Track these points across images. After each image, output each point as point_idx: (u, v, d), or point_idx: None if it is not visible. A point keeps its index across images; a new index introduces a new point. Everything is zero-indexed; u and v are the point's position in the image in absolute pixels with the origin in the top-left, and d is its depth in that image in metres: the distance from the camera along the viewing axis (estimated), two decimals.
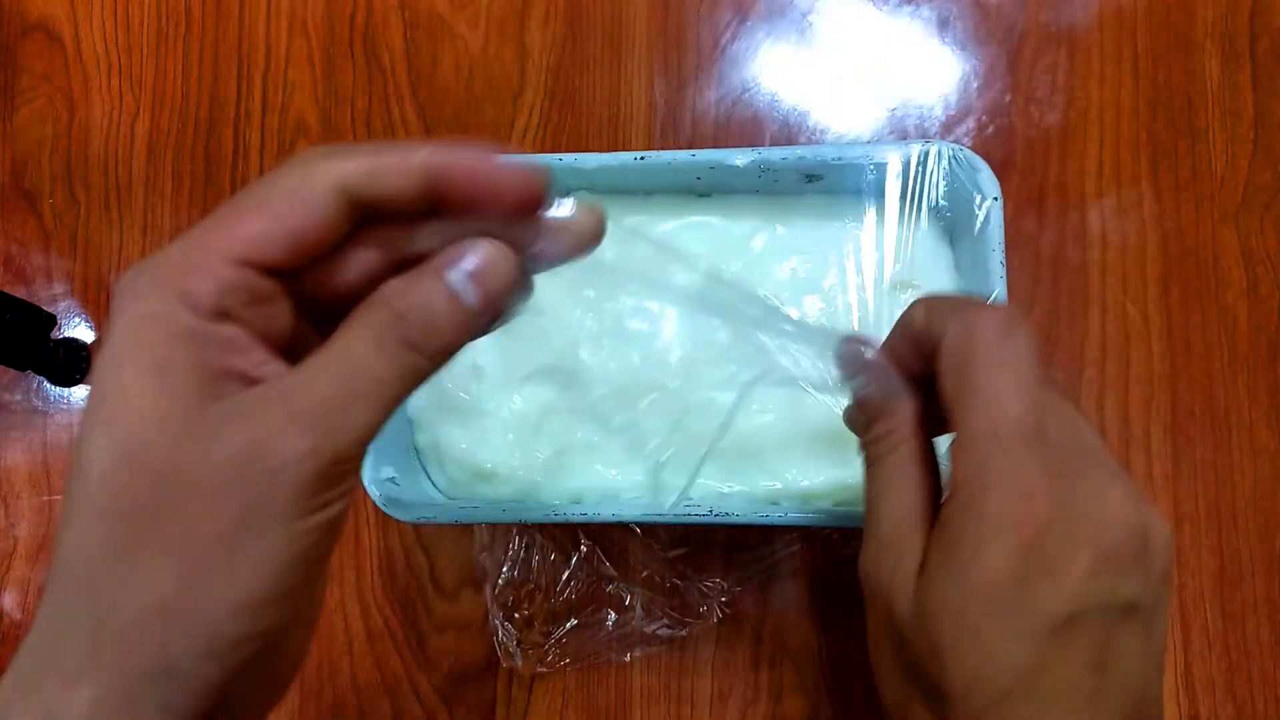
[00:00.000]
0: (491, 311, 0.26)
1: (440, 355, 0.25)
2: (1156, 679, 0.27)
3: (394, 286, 0.24)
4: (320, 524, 0.22)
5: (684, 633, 0.50)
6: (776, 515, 0.40)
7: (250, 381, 0.23)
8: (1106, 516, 0.26)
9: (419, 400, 0.46)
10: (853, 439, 0.42)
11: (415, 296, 0.24)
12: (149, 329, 0.23)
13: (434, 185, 0.24)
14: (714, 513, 0.41)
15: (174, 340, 0.22)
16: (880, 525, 0.29)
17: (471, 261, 0.24)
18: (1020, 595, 0.25)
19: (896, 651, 0.28)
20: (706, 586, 0.50)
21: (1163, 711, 0.28)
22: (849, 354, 0.32)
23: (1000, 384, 0.27)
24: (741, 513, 0.41)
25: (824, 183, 0.44)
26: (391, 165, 0.24)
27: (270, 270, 0.24)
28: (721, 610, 0.50)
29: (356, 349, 0.23)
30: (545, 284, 0.46)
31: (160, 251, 0.24)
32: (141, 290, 0.23)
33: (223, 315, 0.23)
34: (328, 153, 0.24)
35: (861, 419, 0.32)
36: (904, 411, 0.31)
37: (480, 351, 0.45)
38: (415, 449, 0.47)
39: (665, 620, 0.50)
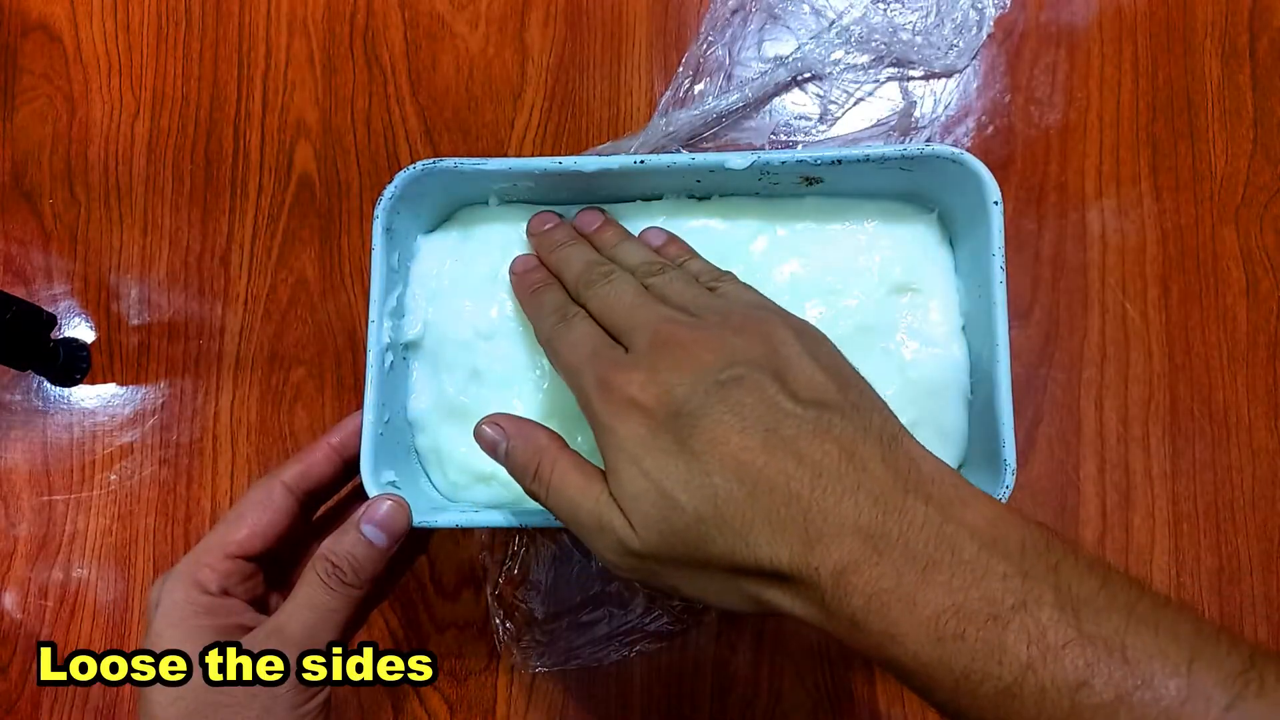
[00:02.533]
0: (396, 544, 0.39)
1: (369, 582, 0.38)
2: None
3: (327, 544, 0.38)
4: (315, 707, 0.37)
5: (684, 632, 0.50)
6: None
7: (246, 629, 0.37)
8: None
9: (420, 403, 0.46)
10: None
11: (343, 547, 0.37)
12: (179, 608, 0.37)
13: (345, 456, 0.42)
14: None
15: (196, 613, 0.37)
16: (585, 518, 0.33)
17: (376, 514, 0.38)
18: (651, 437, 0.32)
19: (679, 572, 0.32)
20: None
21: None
22: (483, 435, 0.37)
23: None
24: None
25: (824, 185, 0.44)
26: (315, 460, 0.41)
27: (251, 558, 0.39)
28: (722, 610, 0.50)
29: (314, 594, 0.37)
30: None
31: (181, 559, 0.38)
32: (170, 586, 0.38)
33: (224, 593, 0.38)
34: (275, 471, 0.41)
35: (516, 473, 0.36)
36: (549, 444, 0.35)
37: (480, 355, 0.46)
38: (416, 452, 0.47)
39: (665, 619, 0.50)
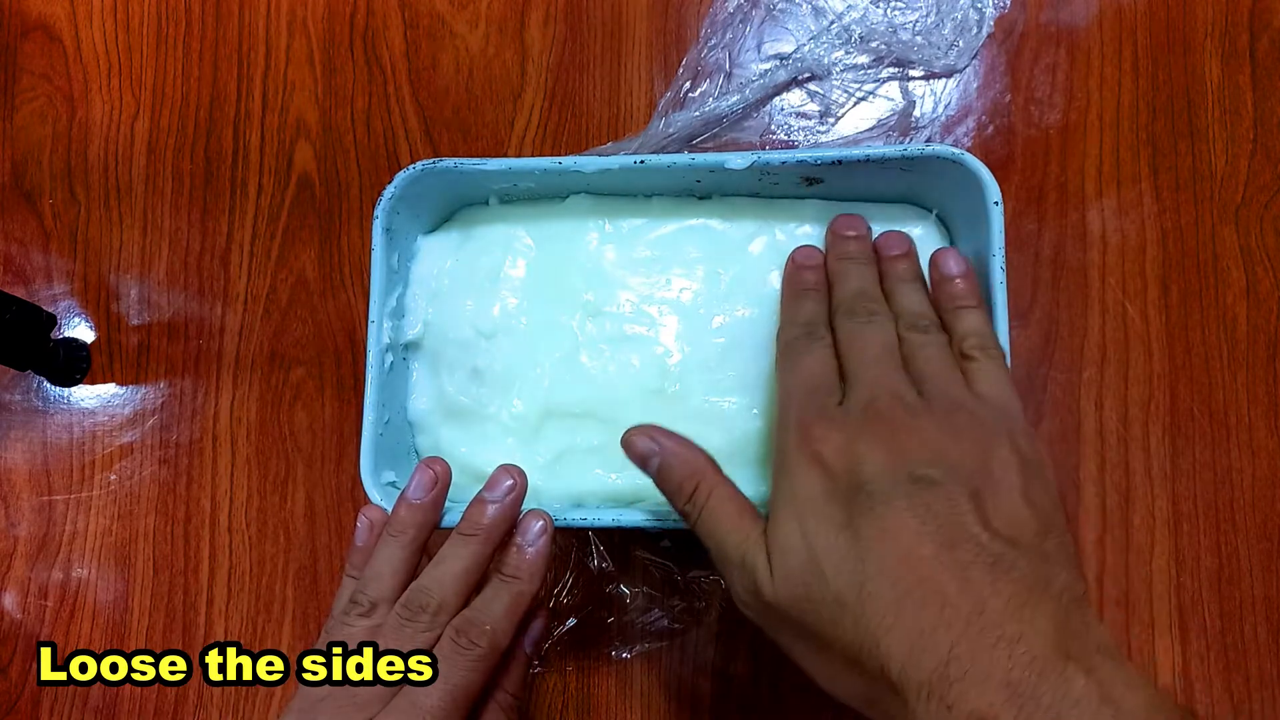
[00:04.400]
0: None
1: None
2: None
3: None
4: None
5: (684, 632, 0.50)
6: None
7: None
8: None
9: (420, 404, 0.47)
10: None
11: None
12: None
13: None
14: None
15: None
16: (732, 552, 0.33)
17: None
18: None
19: (820, 653, 0.32)
20: (707, 585, 0.50)
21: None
22: (633, 445, 0.37)
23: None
24: None
25: (824, 186, 0.44)
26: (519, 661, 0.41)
27: None
28: (721, 610, 0.50)
29: None
30: (545, 287, 0.46)
31: None
32: None
33: None
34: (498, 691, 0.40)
35: (669, 490, 0.36)
36: (706, 468, 0.35)
37: (481, 354, 0.46)
38: (416, 452, 0.47)
39: (665, 619, 0.50)
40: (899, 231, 0.41)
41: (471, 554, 0.37)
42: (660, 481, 0.36)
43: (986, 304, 0.40)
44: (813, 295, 0.39)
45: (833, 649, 0.30)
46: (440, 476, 0.40)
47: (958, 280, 0.38)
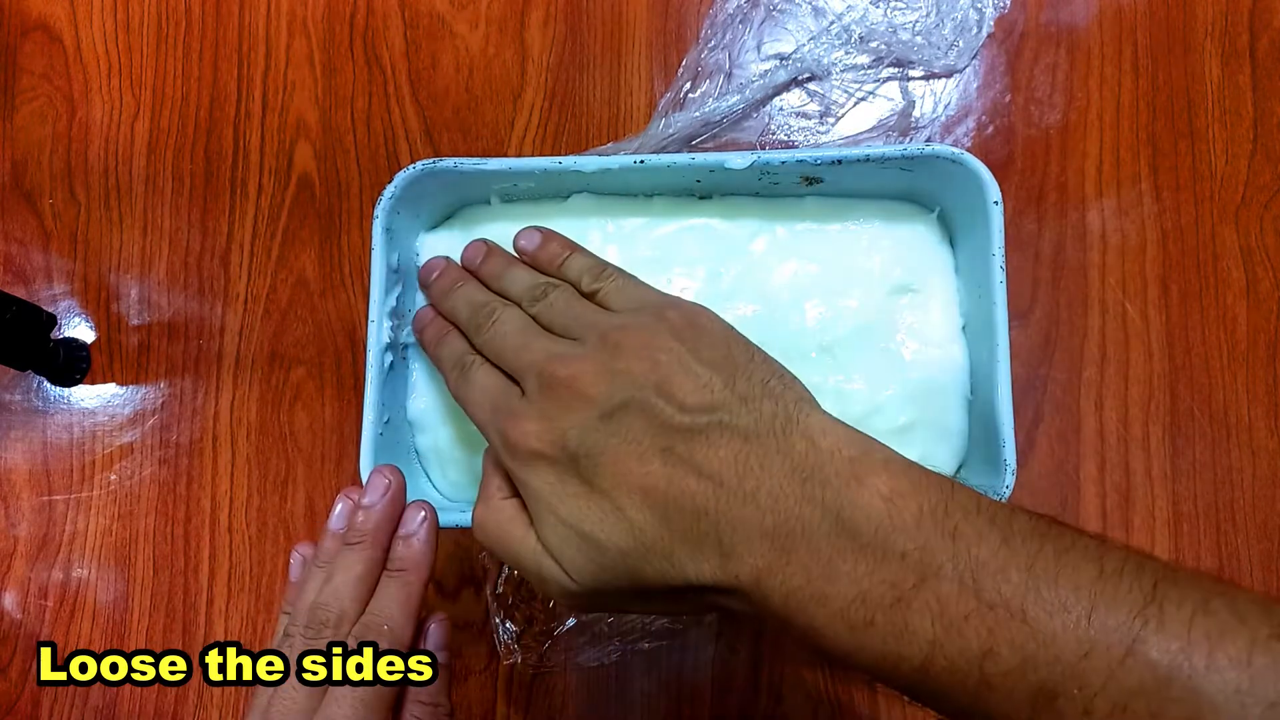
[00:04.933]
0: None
1: None
2: None
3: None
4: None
5: (684, 631, 0.50)
6: None
7: None
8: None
9: (420, 403, 0.46)
10: None
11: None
12: None
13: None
14: None
15: None
16: (527, 567, 0.34)
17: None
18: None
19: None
20: None
21: None
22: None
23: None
24: None
25: (824, 185, 0.44)
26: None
27: None
28: None
29: None
30: None
31: None
32: None
33: None
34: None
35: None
36: (493, 494, 0.36)
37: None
38: (416, 452, 0.47)
39: (665, 619, 0.50)
40: (471, 246, 0.43)
41: (360, 560, 0.38)
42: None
43: (986, 303, 0.40)
44: (446, 340, 0.41)
45: (650, 590, 0.31)
46: (394, 485, 0.40)
47: (543, 245, 0.42)
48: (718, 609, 0.31)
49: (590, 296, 0.38)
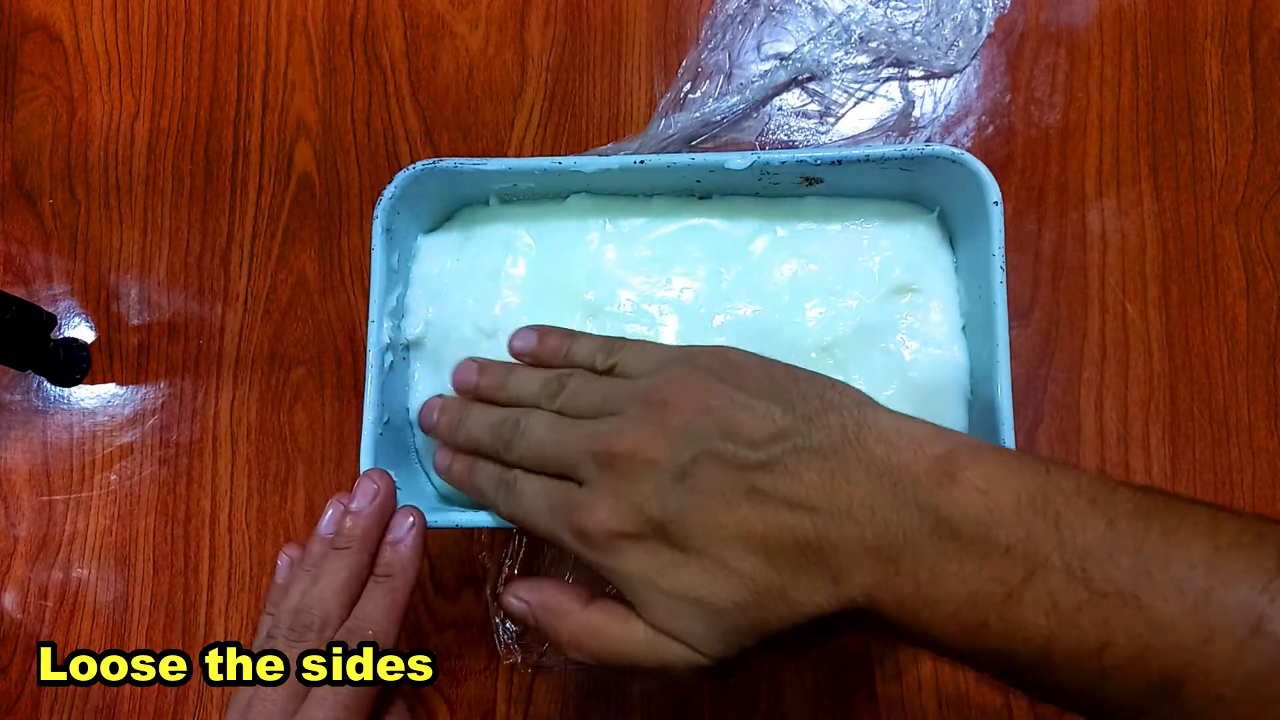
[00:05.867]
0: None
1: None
2: None
3: None
4: None
5: None
6: None
7: None
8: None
9: (420, 402, 0.46)
10: None
11: None
12: None
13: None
14: None
15: None
16: (645, 661, 0.32)
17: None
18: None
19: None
20: None
21: None
22: (510, 609, 0.36)
23: None
24: None
25: (824, 185, 0.44)
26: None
27: None
28: None
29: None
30: (546, 287, 0.46)
31: None
32: None
33: None
34: None
35: (553, 645, 0.35)
36: (569, 606, 0.34)
37: (482, 353, 0.45)
38: (416, 451, 0.47)
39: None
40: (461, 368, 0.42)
41: (347, 565, 0.38)
42: (545, 640, 0.36)
43: (986, 303, 0.40)
44: (475, 470, 0.39)
45: (781, 638, 0.30)
46: (383, 490, 0.40)
47: (541, 341, 0.40)
48: (840, 634, 0.31)
49: (608, 373, 0.37)
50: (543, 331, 0.41)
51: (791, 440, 0.30)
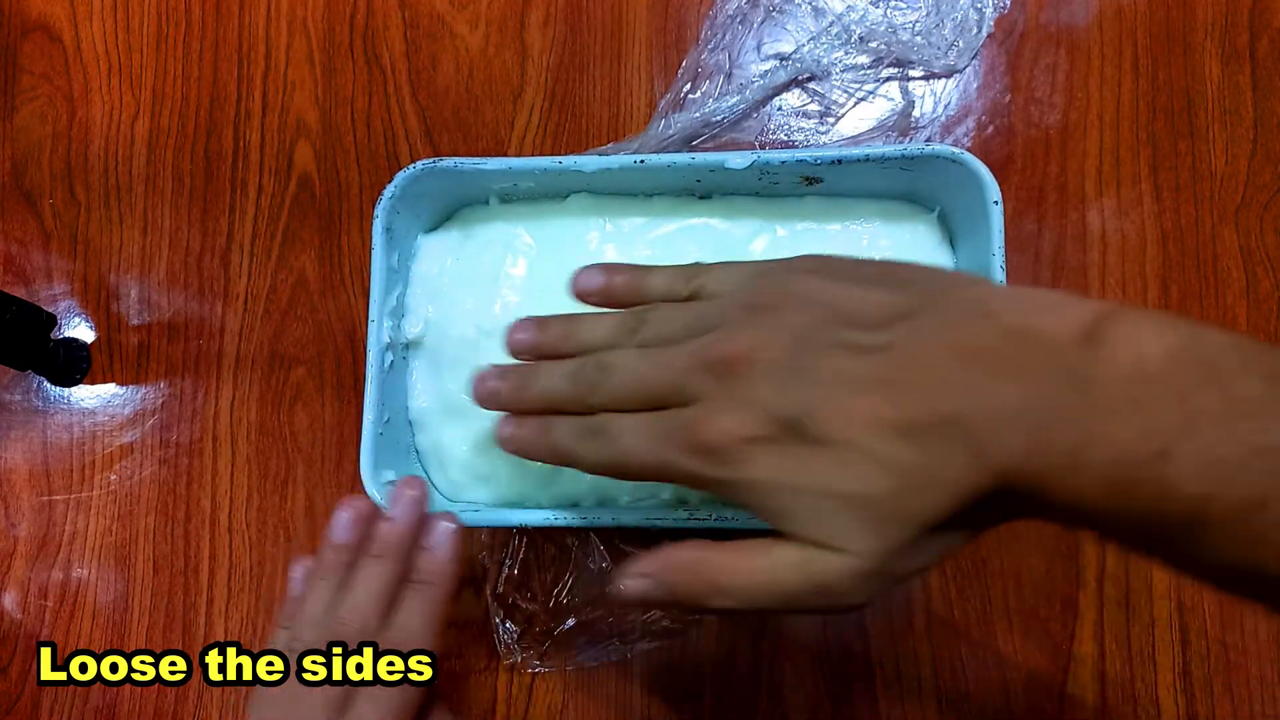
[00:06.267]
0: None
1: None
2: None
3: None
4: None
5: (684, 631, 0.50)
6: None
7: None
8: None
9: (421, 403, 0.46)
10: None
11: None
12: None
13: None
14: (715, 518, 0.41)
15: None
16: (796, 588, 0.29)
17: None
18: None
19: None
20: None
21: None
22: (630, 592, 0.32)
23: None
24: (740, 519, 0.41)
25: (824, 185, 0.44)
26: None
27: None
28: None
29: None
30: (546, 286, 0.46)
31: None
32: None
33: None
34: None
35: (696, 603, 0.31)
36: (702, 555, 0.31)
37: (482, 353, 0.46)
38: (416, 451, 0.47)
39: (665, 619, 0.50)
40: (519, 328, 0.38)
41: (383, 573, 0.37)
42: (683, 606, 0.32)
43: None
44: (549, 428, 0.35)
45: (928, 527, 0.28)
46: (363, 515, 0.39)
47: (610, 277, 0.37)
48: (985, 525, 0.29)
49: (692, 298, 0.34)
50: (609, 268, 0.38)
51: (910, 319, 0.28)
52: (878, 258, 0.44)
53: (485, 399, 0.38)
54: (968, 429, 0.27)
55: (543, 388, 0.36)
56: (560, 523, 0.40)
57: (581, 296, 0.38)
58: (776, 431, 0.29)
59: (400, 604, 0.37)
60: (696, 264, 0.36)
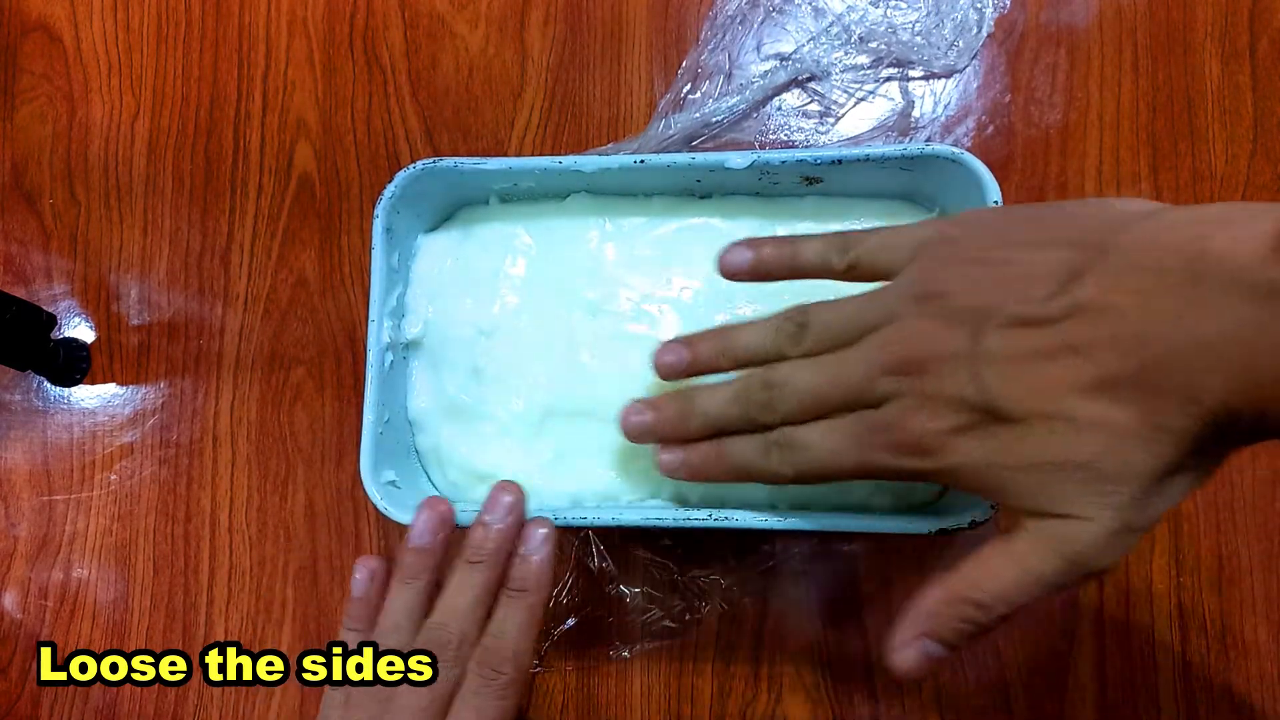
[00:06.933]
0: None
1: None
2: None
3: None
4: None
5: (684, 631, 0.50)
6: (775, 521, 0.40)
7: None
8: None
9: (420, 403, 0.46)
10: None
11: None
12: None
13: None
14: (714, 518, 0.41)
15: None
16: (1056, 577, 0.29)
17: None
18: None
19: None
20: (706, 585, 0.50)
21: None
22: (913, 664, 0.31)
23: None
24: (741, 518, 0.41)
25: (824, 185, 0.44)
26: None
27: None
28: (722, 609, 0.50)
29: None
30: (545, 286, 0.46)
31: None
32: None
33: None
34: None
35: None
36: (952, 583, 0.30)
37: (481, 354, 0.46)
38: (416, 451, 0.47)
39: (665, 619, 0.50)
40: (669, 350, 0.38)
41: (481, 581, 0.36)
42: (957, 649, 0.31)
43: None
44: (729, 449, 0.35)
45: (1162, 476, 0.27)
46: (445, 517, 0.39)
47: (759, 250, 0.36)
48: (1222, 456, 0.29)
49: (848, 273, 0.34)
50: (753, 242, 0.37)
51: (1089, 275, 0.28)
52: None
53: (640, 434, 0.37)
54: (1170, 373, 0.26)
55: (707, 413, 0.35)
56: (560, 522, 0.40)
57: (731, 275, 0.37)
58: (977, 419, 0.28)
59: (497, 612, 0.36)
60: (846, 233, 0.35)
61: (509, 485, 0.38)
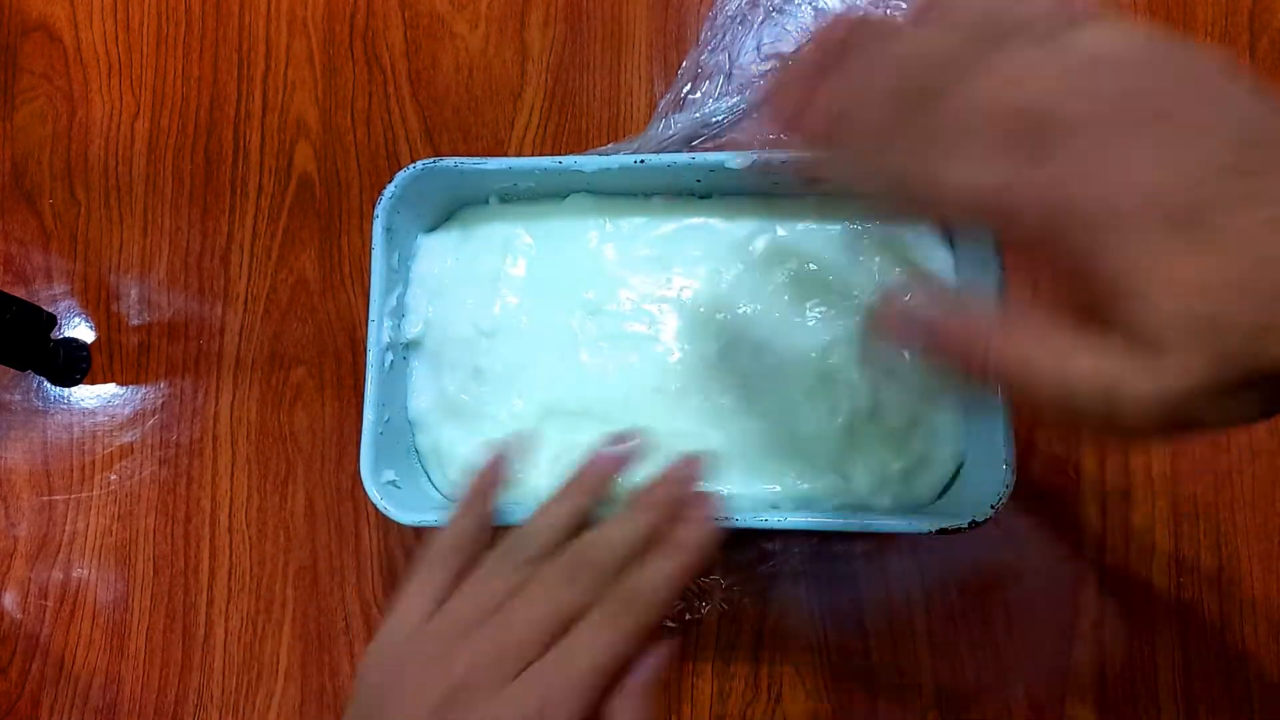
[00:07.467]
0: None
1: None
2: None
3: None
4: None
5: (684, 631, 0.50)
6: (775, 520, 0.40)
7: None
8: None
9: (421, 403, 0.47)
10: (849, 440, 0.42)
11: None
12: None
13: None
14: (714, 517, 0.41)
15: None
16: (1087, 387, 0.24)
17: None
18: None
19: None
20: (706, 585, 0.50)
21: None
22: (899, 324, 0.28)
23: None
24: (742, 517, 0.41)
25: (824, 184, 0.44)
26: None
27: None
28: (722, 609, 0.50)
29: None
30: (545, 286, 0.46)
31: None
32: None
33: None
34: None
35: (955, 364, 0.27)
36: (986, 328, 0.26)
37: (481, 353, 0.46)
38: (416, 452, 0.47)
39: (665, 619, 0.50)
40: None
41: (644, 525, 0.36)
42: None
43: (990, 302, 0.40)
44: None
45: (1257, 377, 0.23)
46: (622, 465, 0.40)
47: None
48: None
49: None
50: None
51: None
52: (878, 259, 0.44)
53: (786, 120, 0.31)
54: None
55: (862, 75, 0.29)
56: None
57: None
58: (1180, 215, 0.23)
59: (647, 559, 0.35)
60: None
61: (692, 460, 0.38)
